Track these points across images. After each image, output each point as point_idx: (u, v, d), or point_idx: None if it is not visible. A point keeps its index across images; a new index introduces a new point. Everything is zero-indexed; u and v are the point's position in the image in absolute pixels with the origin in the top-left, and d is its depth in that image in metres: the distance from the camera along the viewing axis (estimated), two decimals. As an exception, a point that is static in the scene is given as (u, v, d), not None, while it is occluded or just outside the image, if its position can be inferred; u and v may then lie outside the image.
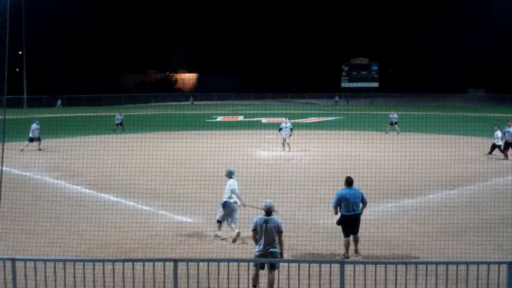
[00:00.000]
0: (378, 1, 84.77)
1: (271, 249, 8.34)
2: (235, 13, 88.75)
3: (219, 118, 46.88)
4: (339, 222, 10.51)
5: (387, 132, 32.08)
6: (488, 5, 69.82)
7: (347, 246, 10.28)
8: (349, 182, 10.62)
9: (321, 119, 43.71)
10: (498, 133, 22.60)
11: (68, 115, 44.01)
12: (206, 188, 15.01)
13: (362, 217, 11.05)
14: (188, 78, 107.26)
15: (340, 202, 10.39)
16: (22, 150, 24.86)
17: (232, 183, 11.52)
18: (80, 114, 36.97)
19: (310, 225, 12.05)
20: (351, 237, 10.35)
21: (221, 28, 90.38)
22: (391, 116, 33.98)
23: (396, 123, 33.41)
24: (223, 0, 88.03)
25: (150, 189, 15.42)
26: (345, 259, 10.03)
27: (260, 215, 8.60)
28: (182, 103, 72.30)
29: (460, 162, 18.75)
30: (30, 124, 26.58)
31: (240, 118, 47.10)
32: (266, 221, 8.41)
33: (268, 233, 8.35)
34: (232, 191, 11.41)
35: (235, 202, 11.41)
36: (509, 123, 22.29)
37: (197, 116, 43.30)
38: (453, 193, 15.29)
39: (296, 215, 12.35)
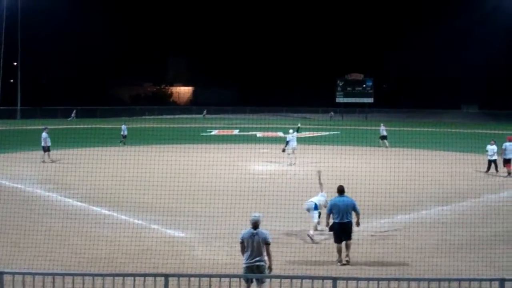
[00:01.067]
0: (373, 17, 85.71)
1: (257, 263, 8.37)
2: (232, 28, 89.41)
3: (214, 132, 46.86)
4: (331, 229, 10.97)
5: (387, 147, 31.52)
6: (482, 21, 70.78)
7: (339, 251, 10.69)
8: (340, 190, 11.06)
9: (316, 134, 43.80)
10: (488, 147, 22.60)
11: (61, 127, 43.85)
12: (199, 202, 14.96)
13: (356, 232, 11.13)
14: (183, 91, 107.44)
15: (332, 210, 10.85)
16: (53, 161, 24.32)
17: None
18: (74, 126, 36.85)
19: (303, 240, 12.00)
20: (343, 243, 10.69)
21: (218, 42, 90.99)
22: (381, 129, 33.26)
23: (383, 137, 32.70)
24: (220, 15, 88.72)
25: (143, 203, 15.32)
26: (339, 264, 10.49)
27: (248, 228, 8.57)
28: (177, 116, 72.29)
29: (453, 178, 18.79)
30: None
31: (235, 132, 47.10)
32: (253, 234, 8.45)
33: (255, 246, 8.41)
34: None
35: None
36: (508, 139, 22.35)
37: (192, 130, 43.24)
38: (446, 209, 15.28)
39: (289, 230, 12.29)
